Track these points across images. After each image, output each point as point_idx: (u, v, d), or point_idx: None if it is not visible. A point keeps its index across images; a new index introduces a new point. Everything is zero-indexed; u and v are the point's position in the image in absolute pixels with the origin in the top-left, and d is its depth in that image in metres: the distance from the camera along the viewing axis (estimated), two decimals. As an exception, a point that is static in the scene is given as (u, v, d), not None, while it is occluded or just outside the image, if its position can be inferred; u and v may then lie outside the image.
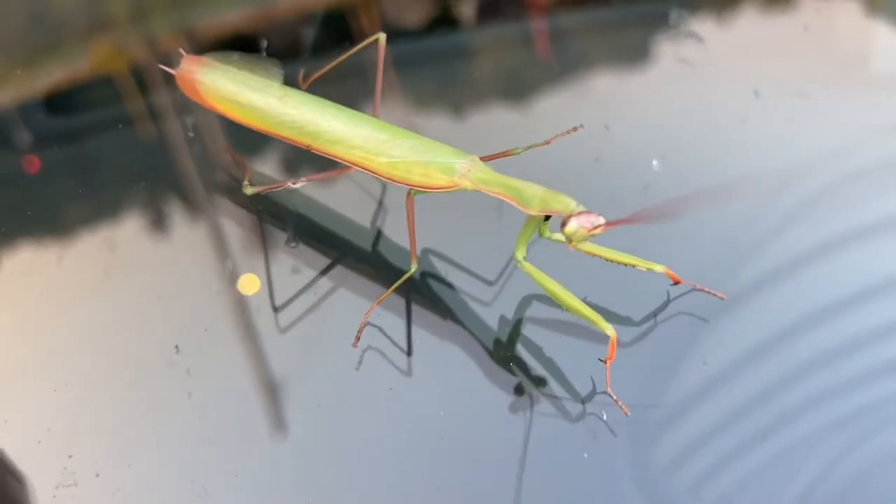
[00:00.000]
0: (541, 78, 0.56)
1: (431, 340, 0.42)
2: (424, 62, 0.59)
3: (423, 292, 0.44)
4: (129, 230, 0.47)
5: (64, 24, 0.58)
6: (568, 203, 0.38)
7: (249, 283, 0.44)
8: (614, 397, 0.39)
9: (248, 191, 0.45)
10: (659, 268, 0.41)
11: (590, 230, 0.37)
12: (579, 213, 0.37)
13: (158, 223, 0.47)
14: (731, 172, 0.49)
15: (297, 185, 0.43)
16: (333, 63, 0.49)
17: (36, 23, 0.58)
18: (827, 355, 0.41)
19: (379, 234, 0.47)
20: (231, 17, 0.59)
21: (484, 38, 0.62)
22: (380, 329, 0.42)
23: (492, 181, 0.40)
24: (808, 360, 0.41)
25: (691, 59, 0.55)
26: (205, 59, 0.45)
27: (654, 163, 0.49)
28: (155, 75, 0.53)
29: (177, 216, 0.48)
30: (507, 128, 0.53)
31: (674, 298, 0.43)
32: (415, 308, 0.43)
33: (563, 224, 0.38)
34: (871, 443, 0.38)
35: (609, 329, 0.38)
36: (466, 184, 0.41)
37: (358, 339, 0.42)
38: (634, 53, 0.58)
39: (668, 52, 0.56)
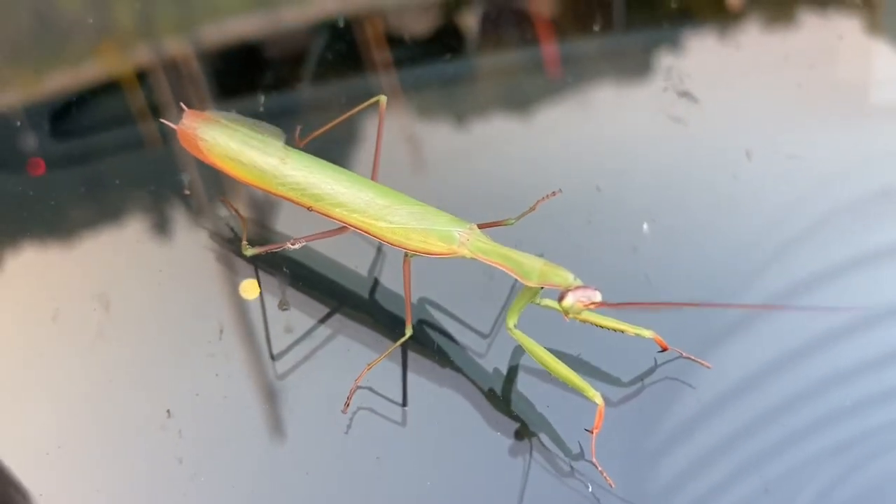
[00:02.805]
0: (544, 90, 0.57)
1: (422, 405, 0.43)
2: (428, 74, 0.59)
3: (416, 353, 0.44)
4: (132, 234, 0.49)
5: (71, 28, 0.59)
6: (566, 277, 0.39)
7: (250, 288, 0.46)
8: (599, 468, 0.39)
9: (248, 252, 0.45)
10: (647, 333, 0.42)
11: (586, 304, 0.38)
12: (576, 288, 0.38)
13: (162, 228, 0.48)
14: (723, 232, 0.50)
15: (297, 246, 0.44)
16: (331, 124, 0.50)
17: (43, 26, 0.59)
18: (823, 387, 0.42)
19: (375, 292, 0.47)
20: (237, 26, 0.60)
21: (488, 51, 0.62)
22: (371, 390, 0.43)
23: (490, 251, 0.41)
24: (795, 402, 0.42)
25: (683, 118, 0.56)
26: (207, 114, 0.46)
27: (644, 226, 0.49)
28: (160, 81, 0.54)
29: (180, 221, 0.49)
30: (510, 140, 0.54)
31: (661, 364, 0.43)
32: (408, 367, 0.44)
33: (561, 297, 0.39)
34: (863, 475, 0.39)
35: (597, 398, 0.39)
36: (465, 252, 0.42)
37: (347, 405, 0.42)
38: (633, 101, 0.58)
39: (661, 109, 0.57)
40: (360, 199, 0.43)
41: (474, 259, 0.42)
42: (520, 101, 0.57)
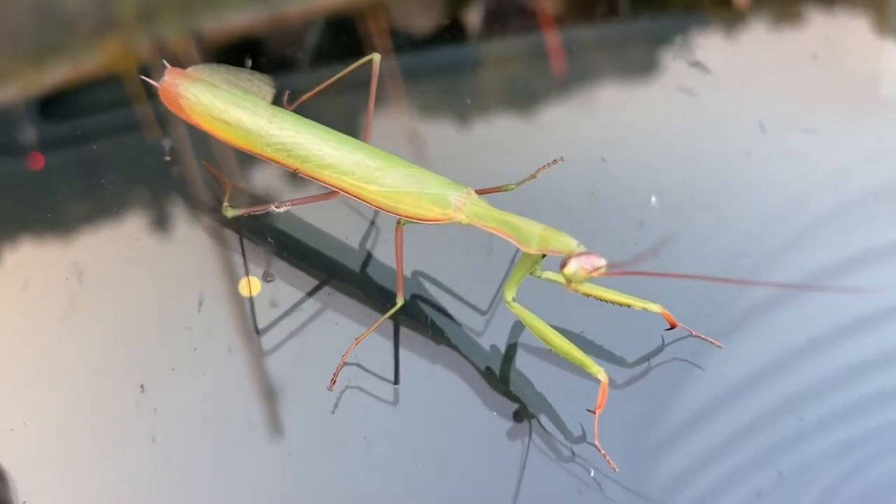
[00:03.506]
0: (547, 88, 0.55)
1: (414, 381, 0.40)
2: (431, 70, 0.57)
3: (408, 328, 0.42)
4: (131, 229, 0.46)
5: (72, 23, 0.57)
6: (569, 242, 0.36)
7: (249, 285, 0.43)
8: (602, 451, 0.36)
9: (229, 213, 0.43)
10: (655, 307, 0.39)
11: (590, 272, 0.35)
12: (580, 254, 0.36)
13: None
14: (733, 208, 0.47)
15: (282, 209, 0.41)
16: (322, 85, 0.48)
17: (44, 20, 0.57)
18: (830, 384, 0.40)
19: (367, 262, 0.45)
20: (239, 20, 0.59)
21: (490, 48, 0.60)
22: (360, 366, 0.40)
23: (488, 216, 0.39)
24: (808, 395, 0.39)
25: (695, 89, 0.53)
26: (190, 71, 0.43)
27: (653, 199, 0.46)
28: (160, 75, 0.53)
29: (179, 217, 0.47)
30: (512, 137, 0.51)
31: (668, 343, 0.41)
32: (399, 343, 0.41)
33: (563, 265, 0.36)
34: (866, 476, 0.36)
35: (601, 373, 0.36)
36: (461, 217, 0.39)
37: (334, 382, 0.39)
38: (640, 72, 0.56)
39: (671, 80, 0.54)
40: (350, 161, 0.41)
41: (471, 225, 0.39)
42: (524, 94, 0.54)
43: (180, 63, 0.44)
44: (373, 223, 0.46)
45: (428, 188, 0.40)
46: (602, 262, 0.35)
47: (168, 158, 0.49)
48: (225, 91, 0.43)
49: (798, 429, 0.38)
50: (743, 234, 0.45)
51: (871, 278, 0.44)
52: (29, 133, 0.51)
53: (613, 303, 0.39)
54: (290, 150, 0.41)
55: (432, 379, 0.40)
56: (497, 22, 0.61)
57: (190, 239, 0.46)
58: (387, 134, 0.50)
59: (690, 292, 0.42)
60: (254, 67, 0.44)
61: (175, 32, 0.58)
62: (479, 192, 0.40)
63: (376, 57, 0.44)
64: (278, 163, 0.42)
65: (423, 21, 0.61)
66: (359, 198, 0.41)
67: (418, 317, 0.42)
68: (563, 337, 0.37)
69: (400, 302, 0.40)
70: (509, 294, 0.38)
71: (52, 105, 0.54)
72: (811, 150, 0.50)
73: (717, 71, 0.54)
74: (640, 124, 0.52)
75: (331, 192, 0.42)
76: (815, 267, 0.44)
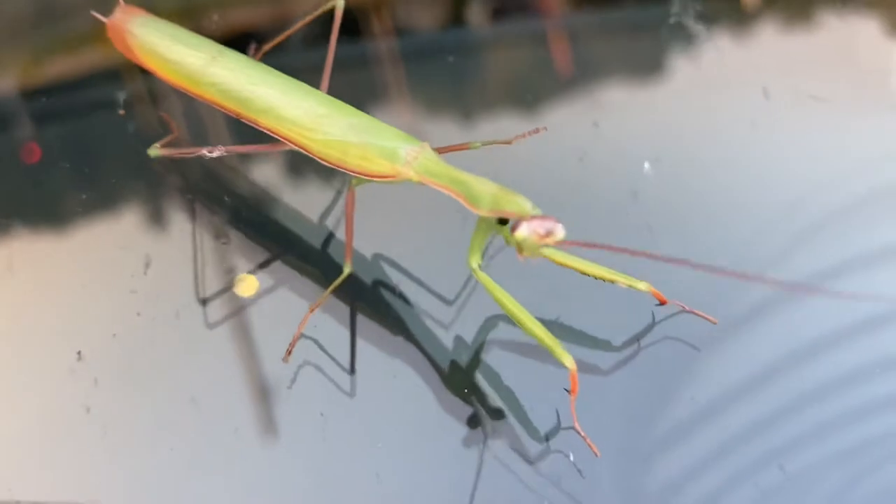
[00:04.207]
0: (551, 83, 0.51)
1: (375, 358, 0.36)
2: (435, 65, 0.54)
3: (370, 302, 0.38)
4: (127, 223, 0.42)
5: (71, 14, 0.55)
6: (522, 205, 0.32)
7: (247, 285, 0.39)
8: (582, 434, 0.33)
9: (154, 152, 0.40)
10: (642, 285, 0.36)
11: (542, 237, 0.31)
12: (532, 218, 0.32)
13: (157, 217, 0.43)
14: (732, 183, 0.43)
15: (214, 154, 0.38)
16: (287, 32, 0.44)
17: (43, 11, 0.56)
18: (831, 386, 0.36)
19: (324, 227, 0.41)
20: (241, 14, 0.56)
21: (495, 43, 0.57)
22: (316, 342, 0.37)
23: (440, 173, 0.35)
24: (811, 391, 0.36)
25: (694, 51, 0.49)
26: (142, 10, 0.41)
27: (646, 165, 0.43)
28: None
29: (176, 211, 0.43)
30: (516, 131, 0.47)
31: (659, 321, 0.37)
32: (359, 320, 0.38)
33: (513, 228, 0.32)
34: (871, 478, 0.33)
35: (568, 360, 0.32)
36: (410, 173, 0.35)
37: (289, 353, 0.36)
38: (634, 50, 0.52)
39: (670, 48, 0.51)
40: (295, 108, 0.37)
41: (421, 183, 0.35)
42: (527, 89, 0.51)
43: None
44: (338, 181, 0.42)
45: (377, 139, 0.36)
46: (558, 227, 0.31)
47: (122, 112, 0.45)
48: (172, 29, 0.40)
49: (800, 431, 0.35)
50: (743, 206, 0.42)
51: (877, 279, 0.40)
52: (26, 124, 0.49)
53: (594, 277, 0.35)
54: (230, 91, 0.38)
55: (394, 355, 0.36)
56: (503, 14, 0.58)
57: (134, 195, 0.43)
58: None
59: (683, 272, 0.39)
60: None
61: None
62: (440, 150, 0.37)
63: (340, 3, 0.41)
64: (219, 105, 0.38)
65: (426, 16, 0.58)
66: (303, 148, 0.37)
67: (381, 292, 0.38)
68: (530, 316, 0.33)
69: (347, 270, 0.36)
70: (474, 260, 0.34)
71: (49, 97, 0.51)
72: (818, 118, 0.46)
73: (720, 31, 0.50)
74: (636, 85, 0.48)
75: (274, 142, 0.38)
76: (820, 264, 0.41)
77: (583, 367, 0.34)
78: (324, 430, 0.34)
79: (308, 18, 0.43)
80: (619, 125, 0.45)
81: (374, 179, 0.36)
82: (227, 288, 0.38)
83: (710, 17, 0.50)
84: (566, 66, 0.50)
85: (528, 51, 0.55)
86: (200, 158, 0.39)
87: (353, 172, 0.36)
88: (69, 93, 0.51)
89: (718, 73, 0.49)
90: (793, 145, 0.45)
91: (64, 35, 0.54)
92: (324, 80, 0.39)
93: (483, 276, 0.34)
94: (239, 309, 0.38)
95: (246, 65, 0.39)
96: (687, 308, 0.37)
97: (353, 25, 0.55)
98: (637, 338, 0.37)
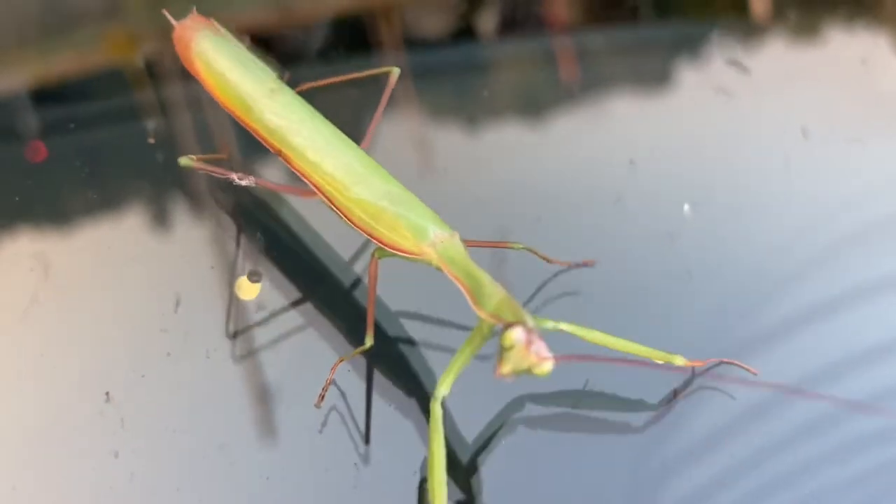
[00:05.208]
0: (558, 96, 0.51)
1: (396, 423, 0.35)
2: (441, 74, 0.53)
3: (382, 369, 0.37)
4: (130, 223, 0.43)
5: (78, 11, 0.56)
6: (524, 317, 0.30)
7: (247, 287, 0.39)
8: None
9: (183, 161, 0.39)
10: (678, 360, 0.34)
11: (526, 349, 0.29)
12: (530, 330, 0.29)
13: (161, 218, 0.43)
14: (773, 229, 0.42)
15: (244, 183, 0.37)
16: (332, 79, 0.44)
17: (50, 9, 0.56)
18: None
19: (356, 284, 0.41)
20: (248, 15, 0.57)
21: (502, 54, 0.56)
22: (342, 394, 0.36)
23: (459, 263, 0.33)
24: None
25: (731, 89, 0.49)
26: (213, 23, 0.41)
27: (686, 207, 0.42)
28: (167, 66, 0.50)
29: (180, 212, 0.43)
30: (521, 144, 0.47)
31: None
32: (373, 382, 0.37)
33: (506, 327, 0.29)
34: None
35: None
36: (432, 255, 0.34)
37: (322, 398, 0.35)
38: (663, 79, 0.51)
39: (705, 80, 0.50)
40: (335, 160, 0.36)
41: (439, 269, 0.34)
42: (537, 102, 0.50)
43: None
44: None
45: (410, 213, 0.35)
46: (548, 357, 0.29)
47: (152, 142, 0.45)
48: (237, 50, 0.40)
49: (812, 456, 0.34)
50: (785, 244, 0.41)
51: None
52: (32, 122, 0.49)
53: (628, 353, 0.33)
54: (278, 130, 0.37)
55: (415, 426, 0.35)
56: (511, 27, 0.58)
57: (164, 234, 0.42)
58: (394, 137, 0.47)
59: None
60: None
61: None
62: (474, 243, 0.35)
63: (395, 71, 0.41)
64: (262, 138, 0.38)
65: (435, 25, 0.58)
66: (333, 203, 0.36)
67: (392, 358, 0.37)
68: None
69: (369, 342, 0.36)
70: (443, 388, 0.32)
71: (55, 94, 0.50)
72: (857, 160, 0.45)
73: (756, 73, 0.49)
74: (674, 124, 0.47)
75: (306, 189, 0.37)
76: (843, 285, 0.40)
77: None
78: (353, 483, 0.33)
79: (359, 75, 0.43)
80: (655, 165, 0.44)
81: (397, 253, 0.35)
82: (257, 325, 0.38)
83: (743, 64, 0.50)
84: (573, 79, 0.50)
85: (537, 64, 0.55)
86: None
87: (377, 240, 0.35)
88: (76, 93, 0.51)
89: (754, 107, 0.48)
90: (832, 181, 0.45)
91: (72, 36, 0.54)
92: (367, 138, 0.39)
93: (437, 414, 0.31)
94: (267, 343, 0.37)
95: (298, 106, 0.38)
96: (726, 360, 0.36)
97: (362, 36, 0.55)
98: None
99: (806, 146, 0.46)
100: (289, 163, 0.37)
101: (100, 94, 0.51)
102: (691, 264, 0.40)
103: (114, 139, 0.48)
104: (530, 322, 0.30)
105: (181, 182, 0.44)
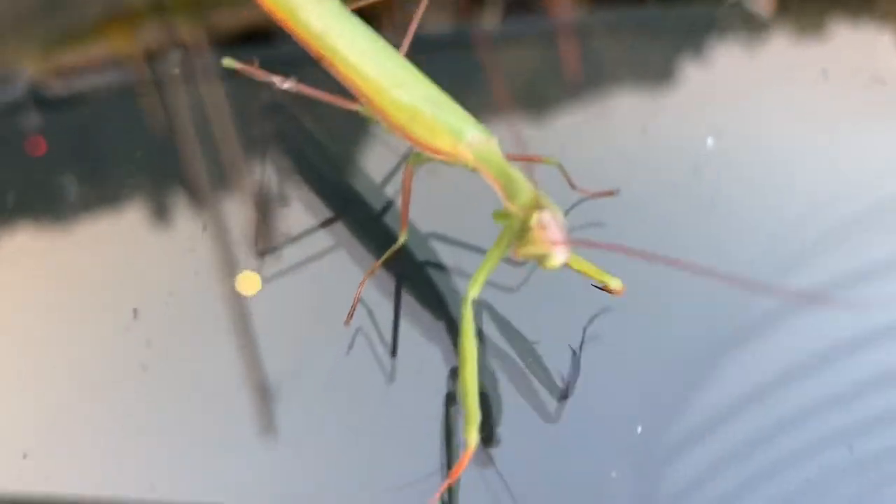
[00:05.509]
0: (561, 88, 0.50)
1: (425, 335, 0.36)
2: (443, 67, 0.53)
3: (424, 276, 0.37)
4: (129, 220, 0.42)
5: (80, 7, 0.54)
6: (555, 207, 0.30)
7: (249, 283, 0.38)
8: None
9: (227, 63, 0.40)
10: (614, 283, 0.34)
11: (543, 229, 0.29)
12: (555, 215, 0.30)
13: (160, 214, 0.42)
14: (802, 157, 0.42)
15: (286, 86, 0.38)
16: None
17: (52, 5, 0.55)
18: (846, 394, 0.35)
19: (386, 196, 0.41)
20: (251, 12, 0.55)
21: (505, 46, 0.55)
22: (370, 312, 0.36)
23: (495, 163, 0.33)
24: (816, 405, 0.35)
25: (755, 31, 0.49)
26: None
27: (709, 141, 0.42)
28: (169, 64, 0.49)
29: (179, 209, 0.42)
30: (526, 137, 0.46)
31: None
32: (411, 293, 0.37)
33: (529, 215, 0.30)
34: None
35: (472, 438, 0.30)
36: (469, 157, 0.34)
37: (350, 316, 0.35)
38: (692, 24, 0.51)
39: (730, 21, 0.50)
40: (377, 64, 0.36)
41: (475, 170, 0.34)
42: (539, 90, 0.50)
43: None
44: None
45: (448, 115, 0.35)
46: (562, 252, 0.29)
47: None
48: None
49: (812, 440, 0.34)
50: (809, 180, 0.41)
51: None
52: (33, 118, 0.48)
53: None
54: (322, 33, 0.37)
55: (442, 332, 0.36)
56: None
57: (178, 229, 0.42)
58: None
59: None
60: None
61: (185, 19, 0.54)
62: (511, 156, 0.35)
63: None
64: (305, 42, 0.38)
65: (436, 15, 0.57)
66: (372, 104, 0.36)
67: (421, 264, 0.38)
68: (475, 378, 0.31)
69: (403, 238, 0.36)
70: (474, 290, 0.32)
71: (61, 90, 0.50)
72: (879, 97, 0.45)
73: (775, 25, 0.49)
74: (698, 59, 0.47)
75: (346, 97, 0.38)
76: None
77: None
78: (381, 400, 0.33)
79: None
80: (680, 97, 0.44)
81: (433, 156, 0.35)
82: (282, 246, 0.38)
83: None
84: (576, 71, 0.49)
85: (540, 57, 0.54)
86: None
87: (415, 142, 0.35)
88: (76, 85, 0.50)
89: (777, 50, 0.48)
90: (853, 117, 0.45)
91: (72, 27, 0.53)
92: (404, 44, 0.39)
93: (468, 315, 0.31)
94: (293, 264, 0.37)
95: (342, 12, 0.38)
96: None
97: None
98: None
99: (825, 87, 0.46)
100: (331, 67, 0.37)
101: (101, 90, 0.50)
102: (713, 192, 0.40)
103: (114, 133, 0.47)
104: (559, 212, 0.30)
105: (182, 179, 0.43)
